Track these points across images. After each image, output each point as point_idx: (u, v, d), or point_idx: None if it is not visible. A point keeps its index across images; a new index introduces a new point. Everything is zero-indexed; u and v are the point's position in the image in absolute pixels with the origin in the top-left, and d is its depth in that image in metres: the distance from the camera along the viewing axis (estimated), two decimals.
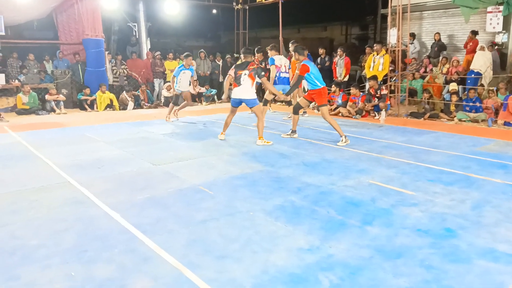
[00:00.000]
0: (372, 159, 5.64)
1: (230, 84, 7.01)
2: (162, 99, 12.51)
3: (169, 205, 3.91)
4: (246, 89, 6.62)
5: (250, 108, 6.85)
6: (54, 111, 10.75)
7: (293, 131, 7.25)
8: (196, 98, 13.33)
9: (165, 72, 13.21)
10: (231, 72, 6.80)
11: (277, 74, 8.39)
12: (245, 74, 6.58)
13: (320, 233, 3.26)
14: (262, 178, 4.77)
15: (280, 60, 8.55)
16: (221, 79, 13.95)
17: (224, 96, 7.53)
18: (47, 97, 10.87)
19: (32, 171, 5.11)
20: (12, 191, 4.29)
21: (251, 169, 5.17)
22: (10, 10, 10.89)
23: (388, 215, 3.66)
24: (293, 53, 7.46)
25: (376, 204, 3.93)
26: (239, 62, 6.76)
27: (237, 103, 6.75)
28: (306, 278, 2.60)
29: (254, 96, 6.72)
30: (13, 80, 11.10)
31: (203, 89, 13.40)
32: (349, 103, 10.00)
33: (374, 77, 9.78)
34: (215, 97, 13.44)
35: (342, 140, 6.58)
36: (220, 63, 14.18)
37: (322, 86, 6.90)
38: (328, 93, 10.82)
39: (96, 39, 11.78)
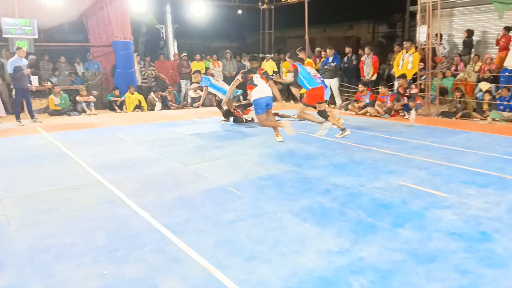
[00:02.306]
0: (402, 160, 5.51)
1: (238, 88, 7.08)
2: (189, 100, 12.64)
3: (197, 205, 3.94)
4: (264, 88, 6.67)
5: (270, 109, 6.87)
6: (85, 112, 11.04)
7: (343, 130, 7.12)
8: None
9: (191, 73, 13.35)
10: (239, 76, 6.92)
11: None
12: (257, 77, 6.70)
13: (350, 235, 3.20)
14: (289, 179, 4.73)
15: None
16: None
17: (225, 99, 7.57)
18: (78, 98, 11.17)
19: (65, 170, 5.25)
20: (46, 190, 4.42)
21: (278, 169, 5.14)
22: (43, 14, 11.25)
23: (420, 217, 3.57)
24: (288, 59, 7.64)
25: (407, 206, 3.83)
26: (246, 69, 6.89)
27: (264, 104, 6.71)
28: (336, 282, 2.56)
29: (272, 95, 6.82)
30: (46, 82, 11.44)
31: None
32: (377, 102, 9.83)
33: (403, 76, 9.57)
34: (241, 97, 13.45)
35: (321, 128, 6.91)
36: (246, 63, 14.19)
37: (311, 88, 6.98)
38: (355, 93, 10.73)
39: (125, 41, 12.01)
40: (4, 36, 10.37)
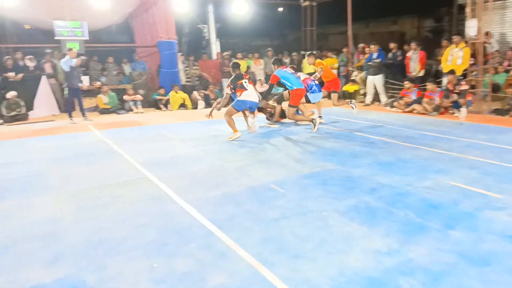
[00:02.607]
0: (452, 159, 5.30)
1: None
2: None
3: (242, 202, 3.98)
4: (253, 93, 7.12)
5: (253, 112, 7.30)
6: (132, 110, 11.44)
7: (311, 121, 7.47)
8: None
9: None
10: (228, 90, 7.19)
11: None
12: (245, 82, 7.06)
13: (399, 235, 3.13)
14: (333, 177, 4.68)
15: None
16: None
17: (209, 112, 7.51)
18: (125, 97, 11.59)
19: (115, 167, 5.46)
20: (98, 186, 4.63)
21: (321, 168, 5.10)
22: (92, 17, 11.74)
23: (472, 219, 3.42)
24: (272, 65, 8.04)
25: (458, 207, 3.69)
26: (232, 77, 7.23)
27: (248, 106, 7.13)
28: (385, 282, 2.51)
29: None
30: (95, 82, 11.94)
31: None
32: (425, 99, 9.49)
33: (452, 72, 9.19)
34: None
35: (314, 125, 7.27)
36: (288, 61, 14.18)
37: (295, 88, 7.37)
38: (401, 89, 10.42)
39: (169, 41, 12.31)
40: (56, 38, 10.93)
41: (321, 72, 8.28)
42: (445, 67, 9.76)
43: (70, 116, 9.76)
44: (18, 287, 2.59)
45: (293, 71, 7.81)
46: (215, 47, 15.54)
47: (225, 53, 13.83)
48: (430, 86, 9.51)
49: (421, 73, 10.63)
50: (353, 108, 8.41)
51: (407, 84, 9.88)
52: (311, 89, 7.94)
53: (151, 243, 3.15)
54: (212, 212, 3.72)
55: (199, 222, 3.51)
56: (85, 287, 2.57)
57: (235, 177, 4.83)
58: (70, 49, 9.75)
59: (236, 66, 7.35)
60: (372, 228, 3.28)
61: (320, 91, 8.13)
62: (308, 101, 8.02)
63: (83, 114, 10.03)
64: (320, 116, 8.40)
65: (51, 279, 2.67)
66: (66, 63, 9.38)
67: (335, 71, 13.28)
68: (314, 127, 7.34)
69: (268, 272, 2.67)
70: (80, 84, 9.85)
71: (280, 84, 8.12)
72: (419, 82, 10.43)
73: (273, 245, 3.06)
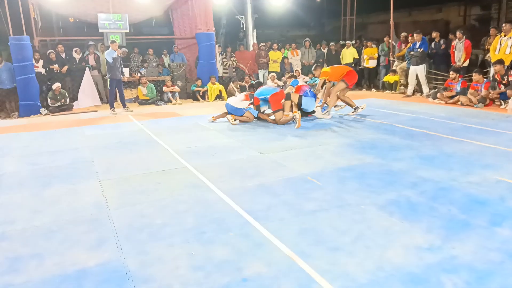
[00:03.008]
0: (499, 154, 5.05)
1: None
2: None
3: (278, 193, 3.97)
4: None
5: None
6: (170, 101, 11.66)
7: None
8: None
9: (268, 63, 13.44)
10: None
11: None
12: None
13: (441, 232, 3.02)
14: (372, 170, 4.58)
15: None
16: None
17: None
18: (164, 88, 11.82)
19: (155, 156, 5.60)
20: (139, 174, 4.76)
21: (359, 160, 5.00)
22: (133, 9, 12.03)
23: None
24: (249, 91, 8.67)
25: (506, 203, 3.51)
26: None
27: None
28: (426, 279, 2.43)
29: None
30: (136, 73, 12.25)
31: (306, 78, 13.34)
32: (470, 90, 9.07)
33: (501, 61, 8.72)
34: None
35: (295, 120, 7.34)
36: (325, 51, 13.97)
37: (272, 94, 7.65)
38: (445, 80, 10.02)
39: (208, 33, 12.42)
40: (100, 30, 11.27)
41: (325, 83, 8.18)
42: (493, 56, 9.28)
43: (112, 107, 10.07)
44: (63, 270, 2.71)
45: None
46: (252, 38, 15.53)
47: (261, 44, 13.79)
48: (476, 76, 9.08)
49: (466, 63, 10.16)
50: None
51: (452, 74, 9.46)
52: (304, 94, 7.98)
53: (190, 230, 3.21)
54: (249, 202, 3.73)
55: (236, 212, 3.54)
56: (127, 271, 2.66)
57: (272, 168, 4.83)
58: (113, 41, 10.03)
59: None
60: (413, 224, 3.18)
61: (313, 96, 8.12)
62: (300, 104, 7.90)
63: (124, 105, 10.32)
64: (357, 107, 8.24)
65: (94, 263, 2.77)
66: (109, 54, 9.66)
67: (374, 62, 12.99)
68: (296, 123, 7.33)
69: (304, 264, 2.65)
70: (121, 76, 10.13)
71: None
72: (464, 72, 9.98)
73: (310, 237, 3.04)
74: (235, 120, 7.83)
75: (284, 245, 2.91)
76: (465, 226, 3.10)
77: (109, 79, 9.95)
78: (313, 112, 8.31)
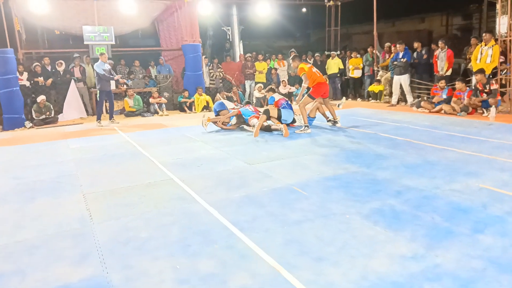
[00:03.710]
0: (481, 161, 5.14)
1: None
2: (254, 100, 12.80)
3: (264, 204, 3.98)
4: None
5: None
6: (157, 113, 11.63)
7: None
8: (286, 97, 13.43)
9: (254, 73, 13.52)
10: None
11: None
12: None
13: (425, 240, 3.05)
14: (357, 179, 4.62)
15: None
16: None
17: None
18: (150, 100, 11.79)
19: (140, 168, 5.57)
20: (124, 187, 4.72)
21: (345, 170, 5.04)
22: (119, 21, 12.03)
23: (502, 223, 3.30)
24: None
25: (488, 210, 3.57)
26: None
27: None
28: None
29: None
30: (122, 85, 12.20)
31: (293, 89, 13.45)
32: (454, 99, 9.25)
33: (481, 71, 8.91)
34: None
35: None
36: (311, 61, 14.10)
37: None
38: (429, 89, 10.19)
39: (194, 44, 12.46)
40: (85, 42, 11.23)
41: (306, 80, 7.91)
42: (474, 65, 9.49)
43: (99, 119, 10.00)
44: (46, 286, 2.66)
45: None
46: (239, 49, 15.63)
47: (247, 55, 13.88)
48: (459, 85, 9.26)
49: (449, 72, 10.37)
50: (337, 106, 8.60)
51: (442, 83, 9.59)
52: (282, 107, 8.16)
53: (175, 243, 3.19)
54: (235, 214, 3.73)
55: (221, 223, 3.53)
56: (110, 286, 2.62)
57: (258, 178, 4.84)
58: (102, 53, 9.99)
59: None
60: (397, 232, 3.21)
61: (290, 108, 8.28)
62: (280, 116, 8.00)
63: (111, 117, 10.25)
64: (330, 120, 8.39)
65: (77, 278, 2.73)
66: (99, 66, 9.61)
67: (359, 72, 13.17)
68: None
69: (289, 275, 2.65)
70: (111, 88, 10.06)
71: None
72: (447, 81, 10.17)
73: (295, 247, 3.04)
74: (208, 122, 8.26)
75: (269, 256, 2.91)
76: (448, 234, 3.14)
77: (98, 91, 9.90)
78: (294, 121, 8.43)
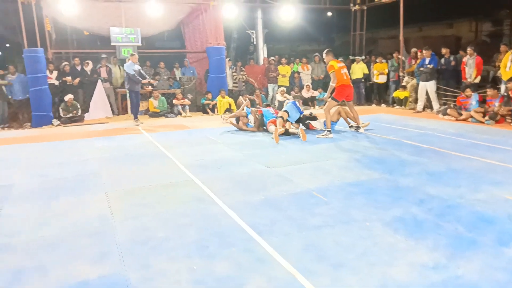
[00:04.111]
0: (507, 171, 4.97)
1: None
2: (276, 103, 12.78)
3: (283, 208, 3.95)
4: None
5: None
6: (180, 114, 11.76)
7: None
8: (309, 102, 13.38)
9: (278, 77, 13.51)
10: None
11: None
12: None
13: (447, 250, 2.97)
14: (379, 186, 4.54)
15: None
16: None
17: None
18: (174, 101, 11.93)
19: (162, 168, 5.63)
20: (145, 186, 4.78)
21: (367, 176, 4.96)
22: (145, 23, 12.23)
23: None
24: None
25: None
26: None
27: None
28: None
29: None
30: (147, 86, 12.38)
31: (316, 93, 13.37)
32: (485, 106, 8.99)
33: None
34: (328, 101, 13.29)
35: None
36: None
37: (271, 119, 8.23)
38: (456, 96, 9.95)
39: (218, 47, 12.54)
40: (112, 43, 11.47)
41: (334, 79, 7.78)
42: (503, 73, 9.21)
43: (136, 117, 10.17)
44: (65, 282, 2.72)
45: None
46: (262, 52, 15.66)
47: (271, 58, 13.88)
48: (490, 92, 9.00)
49: (477, 80, 10.09)
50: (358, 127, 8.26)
51: (468, 91, 9.35)
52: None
53: (193, 244, 3.20)
54: (253, 217, 3.72)
55: (239, 226, 3.52)
56: (128, 285, 2.65)
57: (277, 182, 4.82)
58: (132, 54, 10.12)
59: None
60: (418, 241, 3.14)
61: (293, 103, 8.46)
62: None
63: (135, 117, 10.40)
64: (352, 126, 8.33)
65: (96, 275, 2.78)
66: (129, 67, 9.78)
67: (384, 77, 12.98)
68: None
69: (306, 281, 2.62)
70: (139, 88, 10.19)
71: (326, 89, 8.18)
72: (475, 89, 9.90)
73: (313, 253, 3.01)
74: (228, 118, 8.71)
75: (286, 261, 2.88)
76: (471, 245, 3.05)
77: (128, 91, 10.06)
78: (314, 118, 8.54)
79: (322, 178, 4.94)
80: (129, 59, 10.06)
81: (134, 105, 10.29)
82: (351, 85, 8.08)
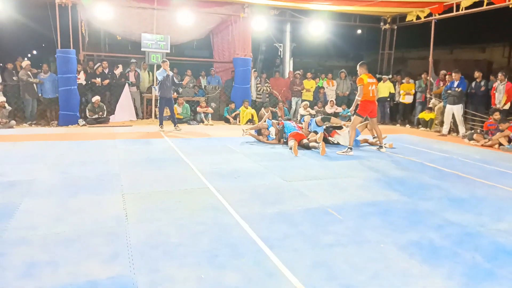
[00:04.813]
0: None
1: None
2: (298, 117, 12.76)
3: (296, 222, 3.91)
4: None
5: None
6: (203, 122, 11.87)
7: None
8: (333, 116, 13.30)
9: (302, 91, 13.50)
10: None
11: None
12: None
13: (462, 279, 2.86)
14: (397, 208, 4.44)
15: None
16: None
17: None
18: (198, 109, 12.07)
19: (180, 174, 5.68)
20: (162, 191, 4.83)
21: (385, 196, 4.87)
22: (176, 31, 12.48)
23: None
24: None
25: None
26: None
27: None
28: None
29: None
30: (173, 93, 12.57)
31: (339, 109, 13.29)
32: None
33: None
34: (352, 117, 13.18)
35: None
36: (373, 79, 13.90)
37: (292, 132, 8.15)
38: (484, 121, 9.69)
39: (245, 58, 12.67)
40: (142, 49, 11.73)
41: (361, 93, 7.69)
42: None
43: (161, 124, 10.28)
44: (75, 280, 2.75)
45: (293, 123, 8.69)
46: (288, 66, 15.71)
47: (296, 72, 13.90)
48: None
49: (507, 106, 9.82)
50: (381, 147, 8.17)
51: (496, 115, 9.07)
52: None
53: (203, 252, 3.20)
54: (265, 229, 3.70)
55: (251, 238, 3.50)
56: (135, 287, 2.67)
57: (293, 196, 4.78)
58: (164, 61, 10.24)
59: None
60: (433, 268, 3.04)
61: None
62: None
63: (174, 124, 10.42)
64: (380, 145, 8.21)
65: (106, 275, 2.80)
66: (160, 74, 9.96)
67: (410, 97, 12.79)
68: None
69: None
70: (171, 95, 10.27)
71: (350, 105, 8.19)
72: (504, 115, 9.63)
73: (324, 271, 2.95)
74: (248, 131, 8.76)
75: (295, 277, 2.84)
76: (488, 276, 2.93)
77: (159, 97, 10.21)
78: (340, 127, 8.67)
79: (338, 195, 4.87)
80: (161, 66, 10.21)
81: (161, 112, 10.34)
82: (376, 102, 7.99)
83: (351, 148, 7.61)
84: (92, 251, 3.18)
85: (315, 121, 8.57)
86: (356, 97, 7.88)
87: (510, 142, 8.58)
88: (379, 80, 13.57)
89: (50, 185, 4.98)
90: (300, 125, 8.95)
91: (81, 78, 11.46)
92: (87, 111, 11.10)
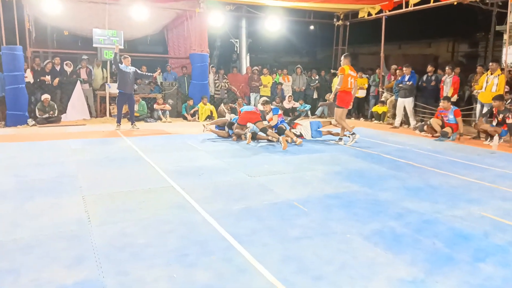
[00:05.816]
0: (484, 189, 5.12)
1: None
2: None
3: (263, 217, 3.94)
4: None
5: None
6: (160, 119, 11.64)
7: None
8: (289, 113, 13.47)
9: (260, 87, 13.59)
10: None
11: None
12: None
13: (425, 265, 3.01)
14: (359, 199, 4.59)
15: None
16: (315, 95, 14.04)
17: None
18: (155, 106, 11.82)
19: (141, 174, 5.54)
20: (123, 191, 4.69)
21: (346, 188, 5.01)
22: (129, 27, 12.12)
23: (504, 253, 3.27)
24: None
25: (489, 239, 3.54)
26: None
27: None
28: None
29: None
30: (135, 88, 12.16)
31: (297, 104, 13.49)
32: (434, 119, 9.34)
33: (500, 97, 8.74)
34: (309, 112, 13.45)
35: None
36: (318, 78, 14.21)
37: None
38: (432, 114, 10.20)
39: (202, 54, 12.54)
40: (94, 45, 11.28)
41: (340, 82, 8.11)
42: (481, 94, 9.49)
43: (119, 122, 9.86)
44: (39, 287, 2.62)
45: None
46: (245, 61, 15.73)
47: (254, 68, 13.95)
48: (443, 103, 9.36)
49: (454, 98, 10.37)
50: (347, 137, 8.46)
51: (444, 103, 9.49)
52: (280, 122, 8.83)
53: (172, 252, 3.15)
54: (234, 226, 3.70)
55: (220, 235, 3.49)
56: None
57: (258, 191, 4.81)
58: (125, 57, 9.87)
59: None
60: (397, 255, 3.18)
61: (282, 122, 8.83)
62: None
63: (132, 122, 10.07)
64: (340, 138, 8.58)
65: (72, 281, 2.69)
66: (125, 68, 9.61)
67: (363, 92, 13.22)
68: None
69: None
70: (132, 91, 9.98)
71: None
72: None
73: (293, 264, 3.00)
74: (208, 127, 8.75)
75: (267, 271, 2.87)
76: (448, 260, 3.10)
77: (118, 93, 9.80)
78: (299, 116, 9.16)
79: (302, 189, 4.96)
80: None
81: (120, 109, 9.98)
82: (352, 94, 8.45)
83: (353, 133, 8.14)
84: (55, 256, 3.04)
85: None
86: (336, 86, 8.30)
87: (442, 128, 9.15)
88: (333, 75, 13.93)
89: (3, 190, 4.70)
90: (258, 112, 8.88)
91: (29, 77, 10.85)
92: (36, 110, 10.55)
